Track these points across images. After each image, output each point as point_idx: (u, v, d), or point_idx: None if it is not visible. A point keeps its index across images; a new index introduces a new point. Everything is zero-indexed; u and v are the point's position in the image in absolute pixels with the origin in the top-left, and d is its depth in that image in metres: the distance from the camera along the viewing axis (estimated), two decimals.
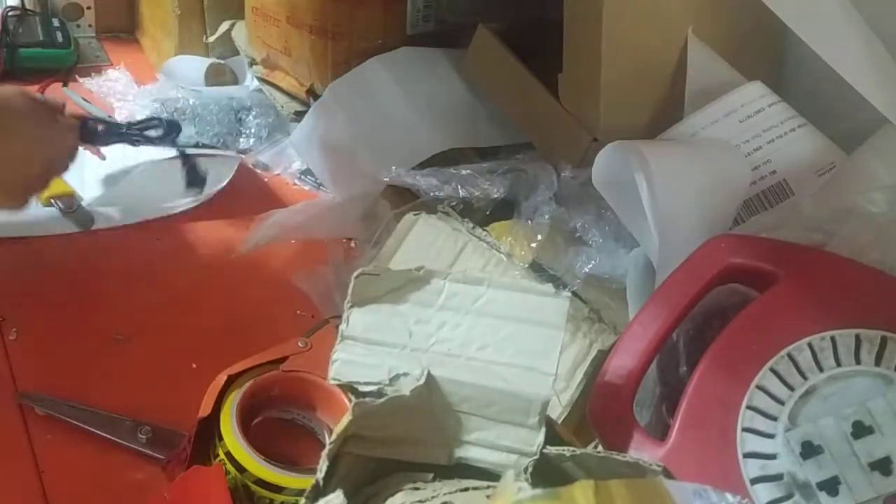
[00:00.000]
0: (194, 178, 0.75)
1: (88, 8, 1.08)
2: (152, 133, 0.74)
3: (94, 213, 0.74)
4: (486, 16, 0.80)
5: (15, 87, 0.68)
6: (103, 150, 0.83)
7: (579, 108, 0.69)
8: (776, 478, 0.45)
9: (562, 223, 0.65)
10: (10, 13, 0.98)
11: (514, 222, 0.66)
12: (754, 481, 0.45)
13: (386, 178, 0.71)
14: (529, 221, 0.65)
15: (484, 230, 0.66)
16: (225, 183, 0.81)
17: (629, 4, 0.65)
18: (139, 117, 0.76)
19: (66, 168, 0.69)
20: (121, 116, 0.90)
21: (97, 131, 0.74)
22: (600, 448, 0.49)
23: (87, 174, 0.79)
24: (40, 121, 0.66)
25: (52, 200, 0.73)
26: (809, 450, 0.45)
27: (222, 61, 0.98)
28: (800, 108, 0.66)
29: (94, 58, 1.05)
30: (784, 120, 0.65)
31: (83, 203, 0.75)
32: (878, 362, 0.46)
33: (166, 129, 0.74)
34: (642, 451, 0.47)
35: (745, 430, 0.46)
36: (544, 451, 0.42)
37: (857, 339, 0.47)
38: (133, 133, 0.74)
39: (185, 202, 0.77)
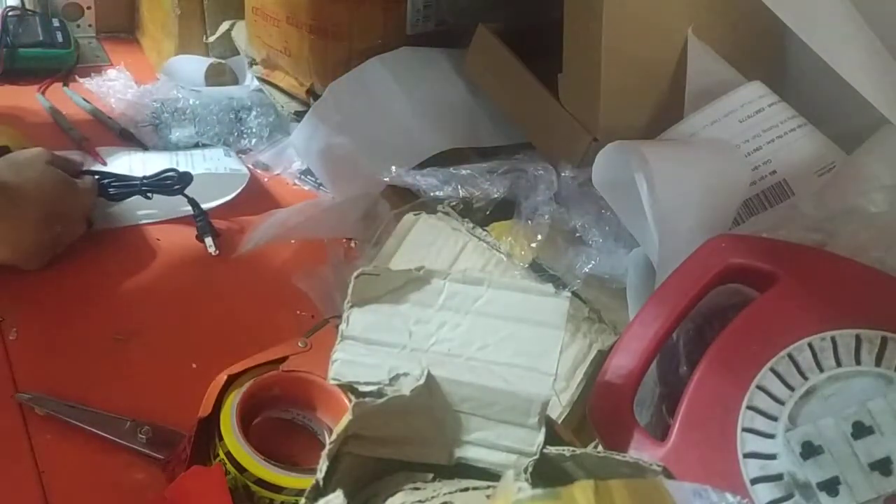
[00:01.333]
0: (206, 230, 0.76)
1: (88, 8, 1.08)
2: (166, 184, 0.75)
3: (93, 215, 0.74)
4: (486, 16, 0.80)
5: (37, 150, 0.70)
6: (103, 154, 0.84)
7: (579, 108, 0.69)
8: (776, 478, 0.45)
9: (562, 223, 0.65)
10: (10, 13, 0.98)
11: (514, 222, 0.66)
12: (754, 481, 0.45)
13: (386, 178, 0.71)
14: (529, 221, 0.65)
15: (484, 230, 0.66)
16: (232, 196, 0.80)
17: (629, 5, 0.65)
18: (152, 172, 0.76)
19: (83, 230, 0.72)
20: (122, 118, 0.90)
21: (113, 189, 0.75)
22: (600, 448, 0.49)
23: None
24: (58, 186, 0.68)
25: None
26: (809, 450, 0.45)
27: (222, 61, 0.98)
28: (800, 108, 0.66)
29: (94, 58, 1.05)
30: (784, 120, 0.64)
31: None
32: (878, 362, 0.46)
33: (177, 180, 0.75)
34: (642, 451, 0.47)
35: (745, 430, 0.46)
36: (544, 451, 0.42)
37: (858, 339, 0.47)
38: (146, 187, 0.75)
39: (188, 209, 0.77)
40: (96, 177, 0.74)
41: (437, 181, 0.69)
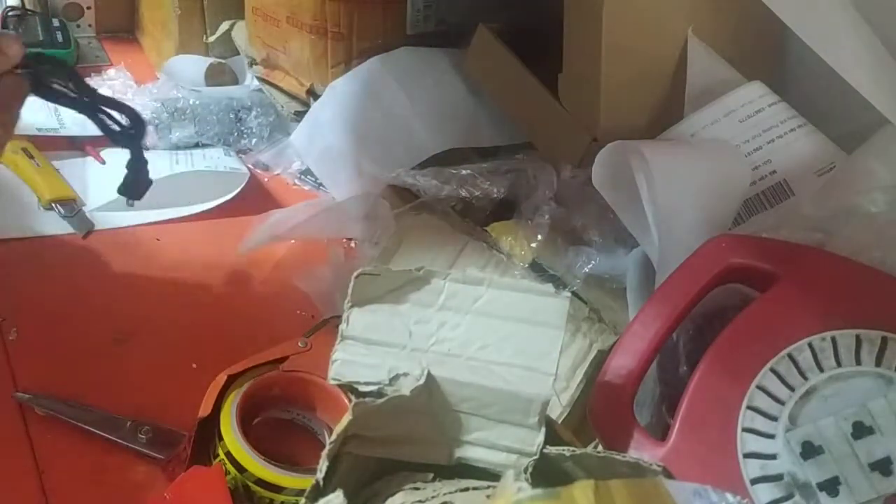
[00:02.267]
0: (131, 184, 0.63)
1: (88, 8, 1.08)
2: (116, 117, 0.60)
3: (94, 217, 0.74)
4: (486, 16, 0.80)
5: None
6: (103, 154, 0.84)
7: (579, 109, 0.69)
8: (776, 478, 0.45)
9: (562, 223, 0.65)
10: (10, 13, 0.98)
11: (514, 222, 0.66)
12: (754, 481, 0.45)
13: (386, 178, 0.71)
14: (529, 221, 0.65)
15: (484, 230, 0.66)
16: (232, 195, 0.80)
17: (629, 5, 0.65)
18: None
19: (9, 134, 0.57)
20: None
21: (48, 85, 0.57)
22: (600, 448, 0.49)
23: (89, 179, 0.79)
24: None
25: (53, 205, 0.73)
26: (810, 450, 0.45)
27: (222, 61, 0.98)
28: (800, 108, 0.66)
29: (94, 58, 1.04)
30: (784, 120, 0.65)
31: (84, 208, 0.74)
32: (878, 363, 0.46)
33: (132, 124, 0.60)
34: (642, 451, 0.47)
35: (745, 430, 0.46)
36: (544, 451, 0.42)
37: (858, 339, 0.47)
38: (93, 106, 0.59)
39: (188, 209, 0.77)
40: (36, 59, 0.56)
41: (437, 181, 0.69)
